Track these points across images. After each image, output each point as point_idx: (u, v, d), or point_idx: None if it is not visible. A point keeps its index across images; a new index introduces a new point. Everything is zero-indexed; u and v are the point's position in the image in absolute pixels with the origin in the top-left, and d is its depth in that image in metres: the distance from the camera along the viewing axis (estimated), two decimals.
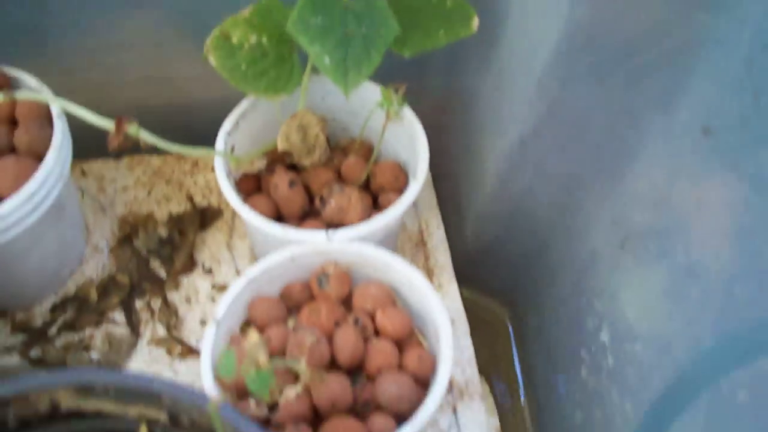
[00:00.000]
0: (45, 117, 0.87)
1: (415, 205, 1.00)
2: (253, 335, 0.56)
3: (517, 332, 1.14)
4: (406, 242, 0.97)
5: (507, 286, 1.11)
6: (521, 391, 1.10)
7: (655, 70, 0.71)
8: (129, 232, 0.99)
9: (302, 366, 0.65)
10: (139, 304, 0.95)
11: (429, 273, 0.94)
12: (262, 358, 0.55)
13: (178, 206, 1.02)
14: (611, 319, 0.82)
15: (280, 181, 0.86)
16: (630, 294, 0.78)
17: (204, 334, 0.74)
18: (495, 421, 0.92)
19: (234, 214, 1.00)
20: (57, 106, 0.85)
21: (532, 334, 1.08)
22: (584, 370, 0.88)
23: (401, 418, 0.70)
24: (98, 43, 0.95)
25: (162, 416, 0.58)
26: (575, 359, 0.90)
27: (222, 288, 0.94)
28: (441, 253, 0.97)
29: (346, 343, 0.73)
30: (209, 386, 0.71)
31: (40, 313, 0.94)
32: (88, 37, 0.94)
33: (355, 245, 0.78)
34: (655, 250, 0.73)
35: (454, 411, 0.85)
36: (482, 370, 0.92)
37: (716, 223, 0.63)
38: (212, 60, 0.83)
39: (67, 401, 0.58)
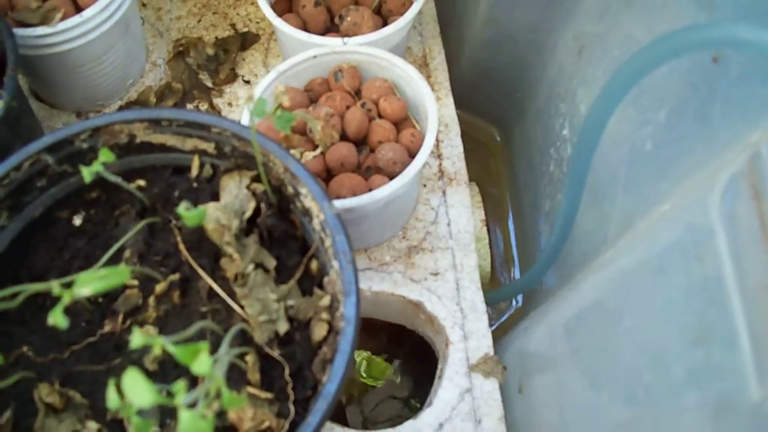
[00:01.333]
0: None
1: (420, 33, 1.18)
2: (279, 87, 0.74)
3: (505, 147, 1.33)
4: (412, 63, 1.16)
5: (497, 106, 1.30)
6: (507, 196, 1.30)
7: None
8: (182, 50, 1.19)
9: (317, 126, 0.85)
10: (189, 106, 1.14)
11: (430, 88, 1.13)
12: (285, 101, 0.73)
13: (223, 32, 1.21)
14: (571, 116, 1.00)
15: (307, 1, 1.05)
16: (583, 91, 0.96)
17: (242, 112, 0.93)
18: (481, 213, 1.11)
19: (270, 38, 1.19)
20: None
21: (516, 146, 1.28)
22: (552, 164, 1.08)
23: (395, 178, 0.89)
24: None
25: (210, 148, 0.78)
26: (546, 158, 1.10)
27: None
28: (440, 73, 1.15)
29: (354, 119, 0.92)
30: None
31: (109, 114, 1.15)
32: None
33: (365, 47, 0.97)
34: (600, 51, 0.91)
35: (444, 193, 1.05)
36: (475, 180, 1.11)
37: (638, 18, 0.82)
38: None
39: (141, 134, 0.78)
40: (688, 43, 0.60)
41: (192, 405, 0.50)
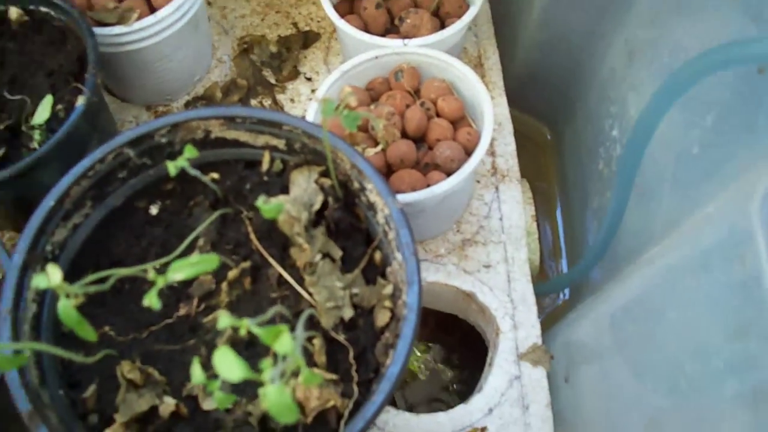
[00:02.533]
0: None
1: (475, 34, 1.23)
2: (347, 88, 0.79)
3: (556, 145, 1.38)
4: (467, 63, 1.20)
5: (549, 106, 1.35)
6: (557, 192, 1.34)
7: None
8: (246, 48, 1.24)
9: (380, 124, 0.90)
10: (253, 102, 1.20)
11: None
12: (353, 101, 0.78)
13: (286, 30, 1.27)
14: (620, 118, 1.05)
15: (369, 3, 1.10)
16: (633, 95, 1.01)
17: (307, 109, 0.98)
18: (531, 209, 1.15)
19: (330, 36, 1.25)
20: None
21: (566, 145, 1.32)
22: (601, 163, 1.12)
23: (452, 175, 0.94)
24: None
25: (281, 144, 0.84)
26: (595, 156, 1.14)
27: None
28: (495, 73, 1.20)
29: (414, 118, 0.97)
30: None
31: (176, 107, 1.21)
32: None
33: (424, 49, 1.02)
34: (650, 56, 0.96)
35: (496, 189, 1.10)
36: (526, 176, 1.16)
37: (686, 27, 0.86)
38: None
39: (216, 130, 0.84)
40: (735, 56, 0.64)
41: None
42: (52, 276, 0.60)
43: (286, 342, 0.54)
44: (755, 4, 0.70)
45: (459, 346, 1.23)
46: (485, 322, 1.04)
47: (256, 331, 0.55)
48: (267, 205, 0.72)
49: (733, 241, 0.61)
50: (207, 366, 0.69)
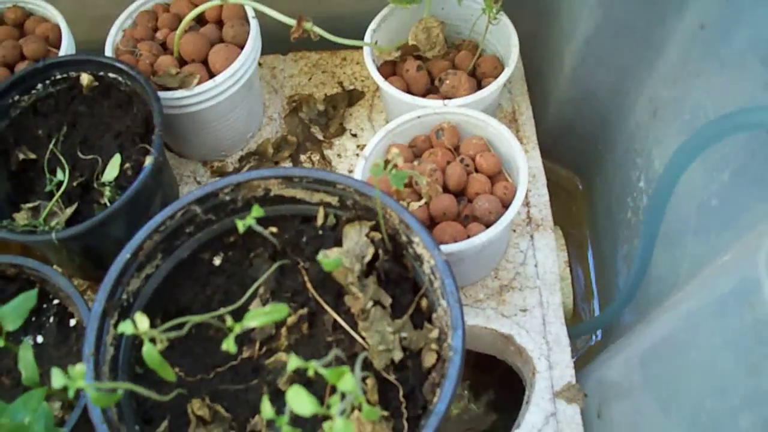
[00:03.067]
0: (243, 17, 1.21)
1: (510, 91, 1.31)
2: (394, 149, 0.87)
3: (586, 194, 1.46)
4: (502, 119, 1.29)
5: (580, 157, 1.43)
6: (588, 239, 1.42)
7: None
8: (295, 106, 1.33)
9: (424, 180, 0.98)
10: (302, 157, 1.29)
11: (519, 141, 1.25)
12: (400, 162, 0.86)
13: (332, 89, 1.36)
14: (646, 170, 1.12)
15: (410, 66, 1.18)
16: (657, 149, 1.08)
17: (355, 166, 1.07)
18: (564, 255, 1.23)
19: (373, 95, 1.33)
20: (252, 9, 1.19)
21: (596, 194, 1.40)
22: (629, 212, 1.19)
23: (490, 226, 1.02)
24: None
25: (334, 201, 0.92)
26: (624, 206, 1.22)
27: (364, 147, 1.27)
28: (528, 127, 1.28)
29: (454, 173, 1.05)
30: None
31: (231, 162, 1.30)
32: None
33: (463, 109, 1.10)
34: (672, 114, 1.03)
35: (531, 237, 1.17)
36: (559, 223, 1.23)
37: (705, 89, 0.93)
38: None
39: (275, 188, 0.92)
40: (744, 122, 0.72)
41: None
42: (140, 323, 0.68)
43: (348, 381, 0.62)
44: (758, 78, 0.78)
45: (497, 386, 1.30)
46: (522, 362, 1.11)
47: (322, 371, 0.62)
48: (327, 259, 0.80)
49: (745, 288, 0.68)
50: (272, 403, 0.77)
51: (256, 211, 0.82)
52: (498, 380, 1.26)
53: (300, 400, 0.59)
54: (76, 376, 0.64)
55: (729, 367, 0.71)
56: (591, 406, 1.05)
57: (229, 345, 0.66)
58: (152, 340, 0.71)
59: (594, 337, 1.37)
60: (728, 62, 0.88)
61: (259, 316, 0.67)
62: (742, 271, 0.70)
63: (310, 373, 0.63)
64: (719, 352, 0.73)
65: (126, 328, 0.70)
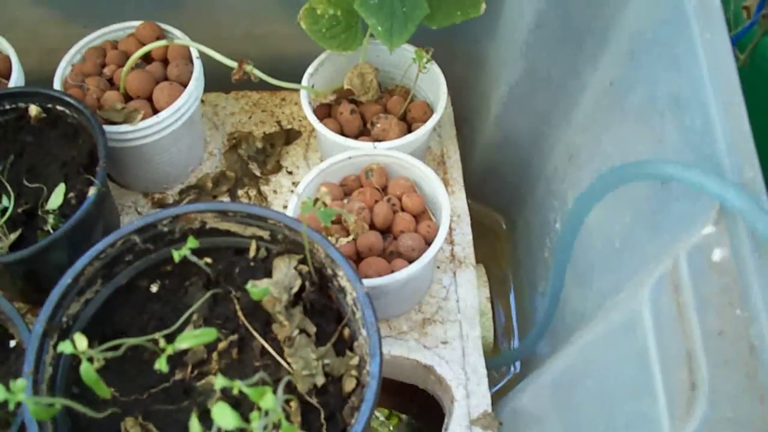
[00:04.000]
0: (187, 57, 1.27)
1: (439, 135, 1.39)
2: (323, 188, 0.94)
3: (509, 233, 1.54)
4: (431, 161, 1.36)
5: (503, 198, 1.51)
6: (510, 277, 1.50)
7: (587, 44, 1.10)
8: (235, 143, 1.40)
9: (351, 218, 1.05)
10: (240, 192, 1.35)
11: (446, 182, 1.33)
12: (328, 200, 0.93)
13: (270, 128, 1.43)
14: (561, 212, 1.20)
15: (345, 109, 1.26)
16: (571, 192, 1.16)
17: (289, 202, 1.13)
18: (486, 291, 1.30)
19: (310, 134, 1.40)
20: (196, 50, 1.25)
21: (518, 233, 1.48)
22: (546, 251, 1.27)
23: (413, 262, 1.09)
24: (217, 6, 1.35)
25: (266, 235, 0.98)
26: (542, 245, 1.29)
27: (299, 184, 1.34)
28: (455, 170, 1.35)
29: (381, 212, 1.12)
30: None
31: (171, 195, 1.35)
32: (213, 3, 1.35)
33: (392, 151, 1.17)
34: (585, 160, 1.12)
35: (454, 274, 1.24)
36: (483, 261, 1.30)
37: (612, 139, 1.02)
38: (303, 24, 1.21)
39: (211, 221, 0.98)
40: (638, 174, 0.80)
41: None
42: (79, 343, 0.74)
43: (269, 399, 0.68)
44: (659, 129, 0.86)
45: (419, 413, 1.37)
46: (442, 391, 1.18)
47: (246, 390, 0.68)
48: (255, 288, 0.86)
49: (631, 321, 0.76)
50: (201, 422, 0.83)
51: (191, 242, 0.88)
52: (419, 408, 1.32)
53: (224, 415, 0.65)
54: (17, 390, 0.70)
55: (617, 391, 0.78)
56: None
57: (161, 365, 0.72)
58: (90, 360, 0.76)
59: (513, 369, 1.44)
60: (631, 116, 0.97)
61: (190, 338, 0.73)
62: (630, 305, 0.78)
63: (235, 391, 0.69)
64: (610, 378, 0.81)
65: (65, 347, 0.76)
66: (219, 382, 0.69)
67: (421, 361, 1.16)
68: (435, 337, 1.18)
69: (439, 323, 1.19)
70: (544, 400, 1.05)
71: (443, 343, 1.18)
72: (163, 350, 0.77)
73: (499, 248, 1.56)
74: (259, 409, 0.69)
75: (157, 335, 0.76)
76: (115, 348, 0.79)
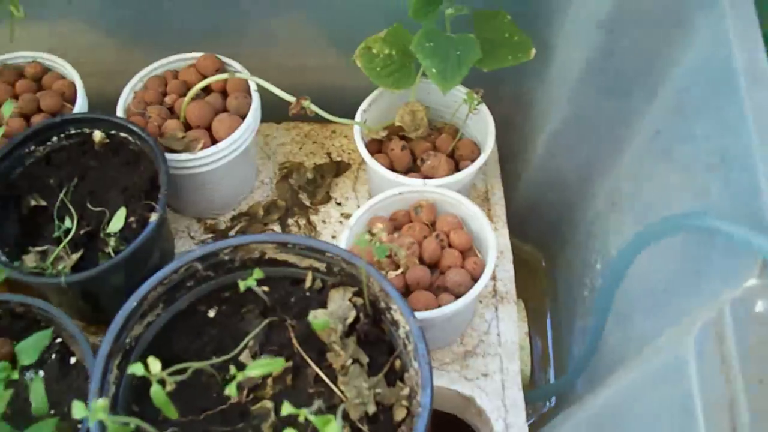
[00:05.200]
0: (246, 90, 1.32)
1: (484, 172, 1.43)
2: (379, 224, 0.98)
3: (549, 271, 1.58)
4: (476, 198, 1.40)
5: (545, 237, 1.55)
6: (548, 311, 1.53)
7: (635, 92, 1.14)
8: (286, 173, 1.45)
9: (402, 252, 1.09)
10: (290, 221, 1.40)
11: (490, 219, 1.37)
12: (384, 236, 0.98)
13: (320, 159, 1.47)
14: (603, 254, 1.24)
15: (396, 146, 1.30)
16: (614, 236, 1.20)
17: (341, 234, 1.17)
18: (525, 326, 1.34)
19: (359, 167, 1.45)
20: (254, 83, 1.30)
21: (558, 271, 1.52)
22: (586, 290, 1.31)
23: (459, 297, 1.13)
24: (273, 38, 1.40)
25: (322, 266, 1.03)
26: (582, 285, 1.33)
27: (347, 216, 1.39)
28: (499, 207, 1.39)
29: (429, 247, 1.16)
30: None
31: (223, 221, 1.40)
32: (269, 37, 1.40)
33: (441, 188, 1.21)
34: (628, 207, 1.16)
35: (496, 309, 1.28)
36: (522, 296, 1.34)
37: (656, 189, 1.06)
38: (359, 63, 1.26)
39: (270, 252, 1.03)
40: (680, 226, 0.84)
41: None
42: (153, 366, 0.78)
43: (333, 428, 0.72)
44: (704, 182, 0.90)
45: None
46: (481, 423, 1.22)
47: (311, 418, 0.73)
48: (316, 320, 0.90)
49: (676, 366, 0.80)
50: None
51: (257, 273, 0.92)
52: None
53: None
54: (97, 409, 0.74)
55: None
56: None
57: (231, 390, 0.77)
58: (159, 382, 0.81)
59: (548, 403, 1.48)
60: (677, 167, 1.01)
61: (260, 366, 0.78)
62: (674, 352, 0.81)
63: (301, 419, 0.73)
64: (653, 420, 0.84)
65: (137, 369, 0.80)
66: (285, 409, 0.73)
67: (462, 392, 1.20)
68: (476, 369, 1.22)
69: (480, 356, 1.23)
70: None
71: (484, 376, 1.22)
72: (223, 375, 0.81)
73: (538, 284, 1.59)
74: None
75: (220, 360, 0.81)
76: (182, 372, 0.84)
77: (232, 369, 0.78)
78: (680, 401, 0.77)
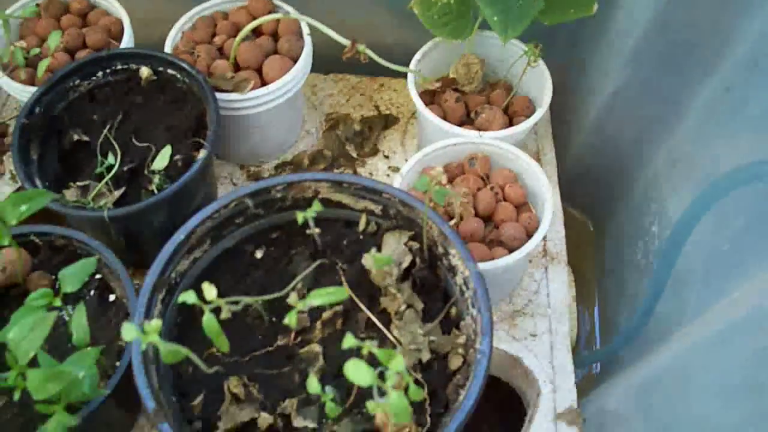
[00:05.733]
0: (298, 33, 1.28)
1: (536, 132, 1.39)
2: (438, 168, 0.94)
3: (597, 236, 1.54)
4: None
5: (594, 201, 1.51)
6: (595, 278, 1.50)
7: (703, 48, 1.10)
8: (333, 124, 1.41)
9: (458, 200, 1.06)
10: (336, 172, 1.36)
11: None
12: (444, 180, 0.94)
13: (368, 112, 1.44)
14: (660, 216, 1.20)
15: (450, 97, 1.26)
16: (674, 197, 1.16)
17: (392, 181, 1.14)
18: (572, 291, 1.30)
19: (407, 121, 1.41)
20: (306, 25, 1.26)
21: (607, 237, 1.48)
22: (639, 254, 1.27)
23: (513, 252, 1.09)
24: None
25: (377, 209, 0.99)
26: (634, 248, 1.29)
27: (395, 169, 1.35)
28: (550, 168, 1.36)
29: (484, 200, 1.13)
30: None
31: (267, 169, 1.37)
32: None
33: (497, 141, 1.17)
34: (691, 166, 1.11)
35: (546, 269, 1.25)
36: (569, 261, 1.30)
37: (725, 147, 1.02)
38: (416, 10, 1.22)
39: (324, 192, 0.99)
40: (760, 173, 0.80)
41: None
42: (208, 293, 0.75)
43: (399, 362, 0.68)
44: None
45: (496, 409, 1.37)
46: (528, 384, 1.18)
47: (375, 351, 0.69)
48: (377, 256, 0.87)
49: (756, 317, 0.76)
50: (303, 387, 0.85)
51: (316, 206, 0.89)
52: (500, 403, 1.32)
53: (360, 372, 0.66)
54: (151, 330, 0.71)
55: (735, 386, 0.78)
56: (589, 431, 1.11)
57: (291, 320, 0.73)
58: (215, 311, 0.77)
59: (594, 369, 1.44)
60: (749, 124, 0.96)
61: (322, 295, 0.74)
62: (753, 302, 0.78)
63: (364, 352, 0.70)
64: (725, 374, 0.80)
65: (189, 297, 0.77)
66: (348, 341, 0.70)
67: (509, 352, 1.17)
68: (524, 329, 1.18)
69: (529, 316, 1.20)
70: (632, 401, 1.05)
71: (532, 336, 1.18)
72: (272, 317, 0.78)
73: (585, 249, 1.55)
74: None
75: (270, 296, 0.77)
76: (235, 303, 0.80)
77: (292, 297, 0.75)
78: (761, 353, 0.74)
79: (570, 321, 1.22)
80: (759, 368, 0.74)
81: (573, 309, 1.26)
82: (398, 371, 0.68)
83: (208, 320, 0.77)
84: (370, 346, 0.69)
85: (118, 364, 0.99)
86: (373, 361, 0.69)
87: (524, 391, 1.20)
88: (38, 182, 1.14)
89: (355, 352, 0.72)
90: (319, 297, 0.74)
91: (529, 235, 1.10)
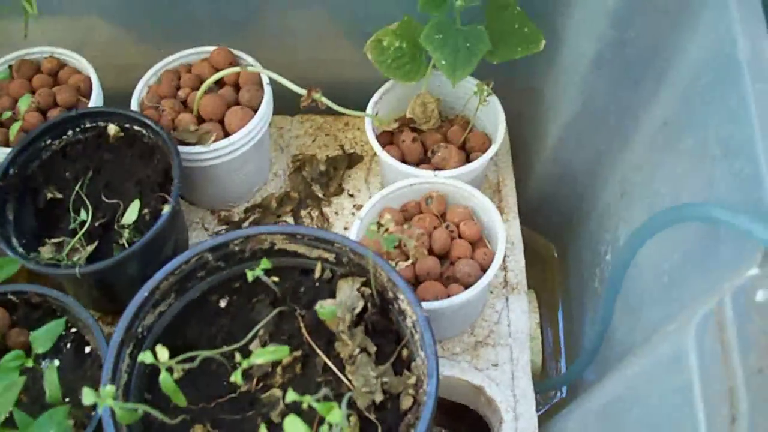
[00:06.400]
0: (258, 83, 1.33)
1: (496, 164, 1.44)
2: (387, 214, 0.99)
3: (560, 262, 1.58)
4: (487, 189, 1.41)
5: (556, 228, 1.56)
6: (560, 302, 1.54)
7: (643, 83, 1.14)
8: (299, 165, 1.46)
9: (411, 243, 1.10)
10: (303, 212, 1.41)
11: (501, 210, 1.37)
12: (392, 227, 0.99)
13: (333, 151, 1.48)
14: (612, 245, 1.25)
15: (407, 137, 1.31)
16: (623, 227, 1.21)
17: (352, 225, 1.19)
18: (536, 317, 1.34)
19: (371, 159, 1.46)
20: (266, 76, 1.31)
21: (569, 262, 1.53)
22: (596, 281, 1.31)
23: (469, 287, 1.13)
24: (285, 31, 1.41)
25: (331, 257, 1.04)
26: (592, 275, 1.34)
27: (359, 207, 1.40)
28: (510, 198, 1.40)
29: (440, 238, 1.17)
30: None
31: (237, 213, 1.42)
32: (282, 30, 1.41)
33: (452, 180, 1.22)
34: (637, 197, 1.16)
35: (506, 299, 1.29)
36: (534, 287, 1.35)
37: (664, 179, 1.06)
38: (370, 55, 1.26)
39: (279, 243, 1.04)
40: (689, 215, 0.85)
41: None
42: (161, 354, 0.80)
43: (336, 414, 0.73)
44: (710, 172, 0.90)
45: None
46: (491, 412, 1.23)
47: (315, 404, 0.74)
48: (323, 309, 0.92)
49: (677, 356, 0.80)
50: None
51: (264, 263, 0.93)
52: (468, 428, 1.36)
53: (295, 428, 0.71)
54: (106, 395, 0.76)
55: (661, 424, 0.83)
56: None
57: (237, 377, 0.78)
58: (168, 370, 0.82)
59: (559, 393, 1.49)
60: (683, 158, 1.01)
61: (265, 354, 0.79)
62: (676, 341, 0.82)
63: (305, 405, 0.74)
64: (654, 410, 0.85)
65: (146, 357, 0.82)
66: (289, 396, 0.75)
67: (472, 382, 1.21)
68: (486, 359, 1.23)
69: (491, 346, 1.24)
70: (590, 425, 1.10)
71: (494, 366, 1.22)
72: (233, 363, 0.82)
73: (549, 275, 1.60)
74: (324, 422, 0.74)
75: (230, 348, 0.82)
76: (191, 360, 0.85)
77: (238, 357, 0.80)
78: (682, 390, 0.78)
79: (534, 348, 1.26)
80: (680, 407, 0.78)
81: (537, 335, 1.30)
82: (337, 423, 0.73)
83: (164, 379, 0.82)
84: (310, 399, 0.74)
85: (93, 414, 1.04)
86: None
87: (489, 418, 1.25)
88: (14, 241, 1.18)
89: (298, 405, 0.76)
90: (261, 356, 0.79)
91: (484, 270, 1.15)
